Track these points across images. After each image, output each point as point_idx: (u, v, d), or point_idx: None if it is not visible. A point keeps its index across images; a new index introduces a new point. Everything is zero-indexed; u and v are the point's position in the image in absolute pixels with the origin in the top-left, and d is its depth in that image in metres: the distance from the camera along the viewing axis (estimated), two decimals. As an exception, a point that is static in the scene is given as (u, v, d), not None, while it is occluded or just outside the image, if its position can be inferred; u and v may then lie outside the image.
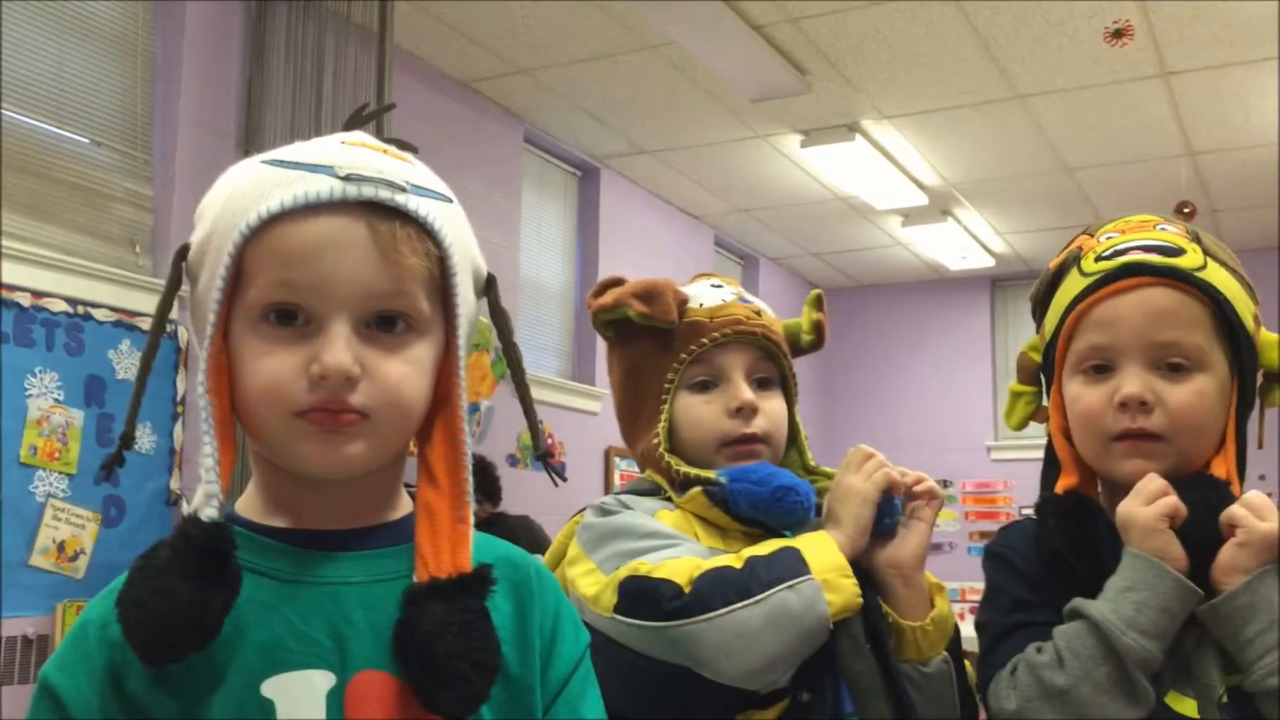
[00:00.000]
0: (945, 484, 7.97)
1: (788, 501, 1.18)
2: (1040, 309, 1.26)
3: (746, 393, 1.26)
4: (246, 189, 0.81)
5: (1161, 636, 1.06)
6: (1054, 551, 1.15)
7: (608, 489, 5.90)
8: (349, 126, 0.88)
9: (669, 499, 1.25)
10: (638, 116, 5.41)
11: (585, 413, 5.79)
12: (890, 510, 1.19)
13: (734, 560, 1.12)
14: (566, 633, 0.90)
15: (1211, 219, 6.47)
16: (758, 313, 1.31)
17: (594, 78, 4.97)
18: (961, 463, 7.84)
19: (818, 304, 1.38)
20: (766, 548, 1.14)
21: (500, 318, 0.91)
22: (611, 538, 1.18)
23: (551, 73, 4.94)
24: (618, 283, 1.32)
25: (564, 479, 0.93)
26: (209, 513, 0.77)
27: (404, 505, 0.89)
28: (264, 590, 0.79)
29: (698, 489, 1.22)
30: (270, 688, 0.78)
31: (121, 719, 0.77)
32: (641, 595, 1.09)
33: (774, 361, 1.31)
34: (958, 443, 7.85)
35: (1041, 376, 1.26)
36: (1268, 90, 4.91)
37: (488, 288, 0.89)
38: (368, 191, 0.79)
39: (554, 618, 0.89)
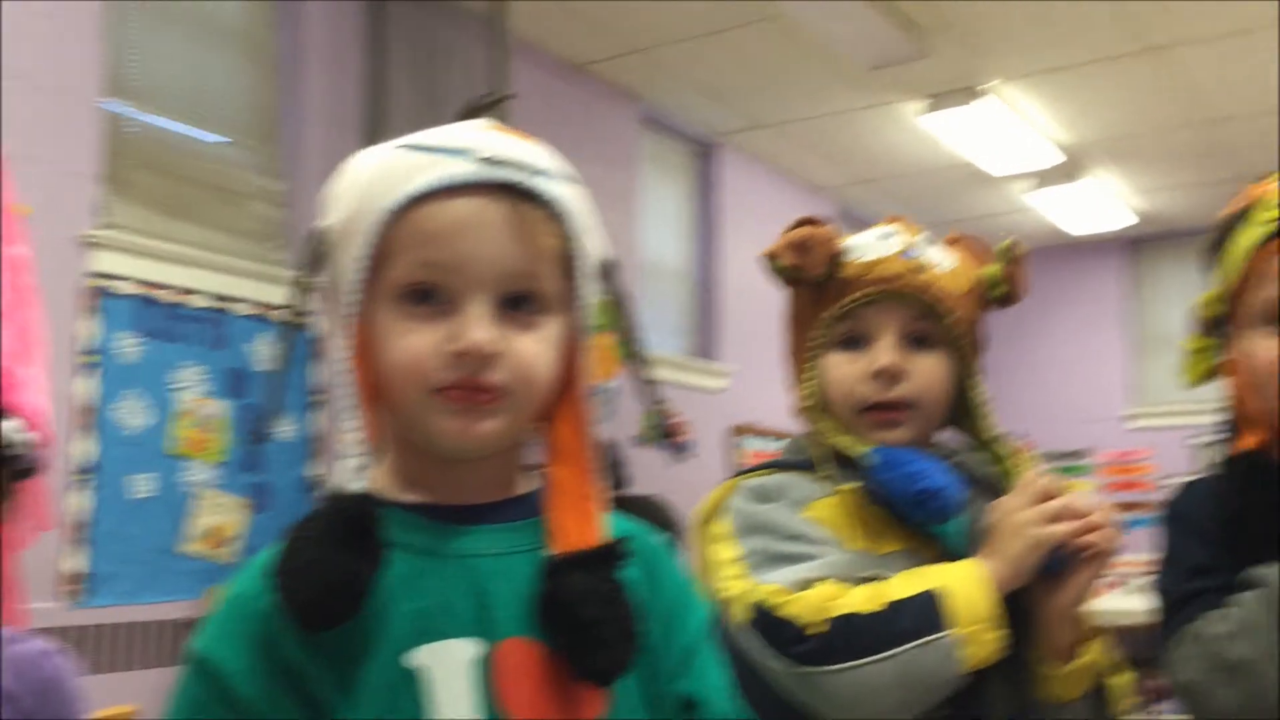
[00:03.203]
0: (1080, 454, 7.74)
1: (929, 507, 1.13)
2: (1214, 261, 1.20)
3: (888, 355, 1.19)
4: (386, 172, 0.83)
5: None
6: (1234, 514, 1.10)
7: (733, 467, 5.89)
8: (466, 116, 0.90)
9: (823, 479, 1.20)
10: (754, 90, 5.36)
11: (709, 390, 5.78)
12: (1059, 559, 1.10)
13: (871, 601, 1.07)
14: (691, 602, 0.92)
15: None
16: (920, 268, 1.22)
17: (709, 53, 4.94)
18: (1097, 432, 7.60)
19: (1009, 254, 1.27)
20: (911, 585, 1.08)
21: (622, 302, 0.92)
22: (758, 531, 1.16)
23: (666, 51, 4.93)
24: (804, 224, 1.26)
25: (682, 455, 0.92)
26: (356, 485, 0.80)
27: (527, 482, 0.90)
28: (405, 563, 0.81)
29: (853, 486, 1.17)
30: (420, 656, 0.80)
31: (280, 686, 0.79)
32: (770, 630, 1.08)
33: (936, 319, 1.22)
34: (1093, 412, 7.61)
35: (1217, 330, 1.20)
36: None
37: (609, 272, 0.90)
38: (506, 174, 0.82)
39: (679, 588, 0.91)
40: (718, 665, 0.91)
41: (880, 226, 1.27)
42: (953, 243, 1.30)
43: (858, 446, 1.19)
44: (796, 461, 1.24)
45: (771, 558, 1.13)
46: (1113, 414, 7.65)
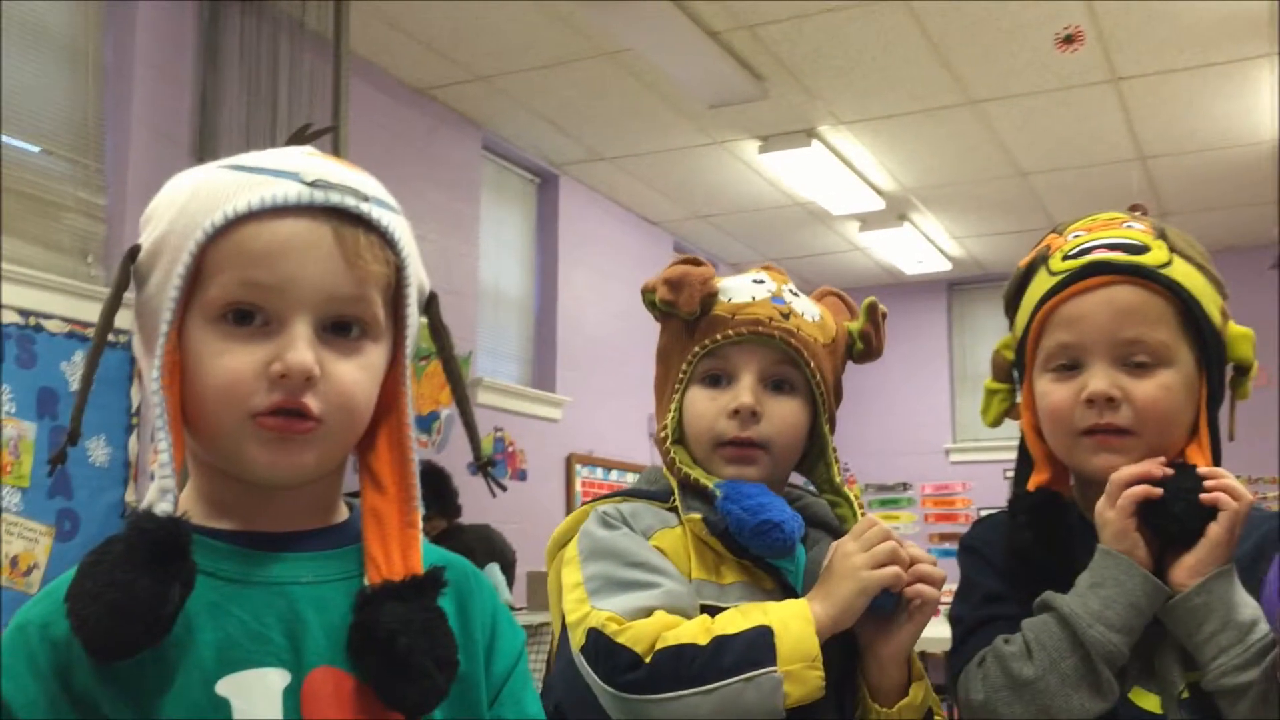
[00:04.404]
0: (905, 486, 8.04)
1: (770, 538, 1.16)
2: (1012, 307, 1.27)
3: (747, 395, 1.22)
4: (209, 191, 0.81)
5: (1128, 631, 1.08)
6: (1024, 546, 1.16)
7: (569, 496, 5.89)
8: (292, 142, 0.88)
9: (674, 509, 1.23)
10: (596, 123, 5.42)
11: (546, 419, 5.78)
12: (887, 599, 1.14)
13: (701, 634, 1.09)
14: (505, 631, 0.92)
15: (1161, 222, 6.56)
16: (787, 314, 1.26)
17: (552, 85, 4.97)
18: (920, 465, 7.91)
19: (870, 313, 1.34)
20: (740, 621, 1.11)
21: (441, 333, 0.92)
22: (603, 557, 1.17)
23: (509, 80, 4.94)
24: (683, 262, 1.30)
25: (503, 487, 0.94)
26: (164, 507, 0.77)
27: (343, 510, 0.90)
28: (212, 591, 0.79)
29: (698, 516, 1.20)
30: (225, 686, 0.78)
31: (73, 718, 0.75)
32: (602, 656, 1.09)
33: (797, 366, 1.25)
34: (916, 446, 7.92)
35: (1014, 374, 1.27)
36: (1215, 95, 5.00)
37: (430, 303, 0.90)
38: (334, 198, 0.81)
39: (493, 616, 0.92)
40: (532, 693, 0.92)
41: (753, 272, 1.32)
42: (820, 297, 1.35)
43: (709, 480, 1.22)
44: (651, 491, 1.27)
45: (613, 583, 1.14)
46: (937, 448, 7.97)
